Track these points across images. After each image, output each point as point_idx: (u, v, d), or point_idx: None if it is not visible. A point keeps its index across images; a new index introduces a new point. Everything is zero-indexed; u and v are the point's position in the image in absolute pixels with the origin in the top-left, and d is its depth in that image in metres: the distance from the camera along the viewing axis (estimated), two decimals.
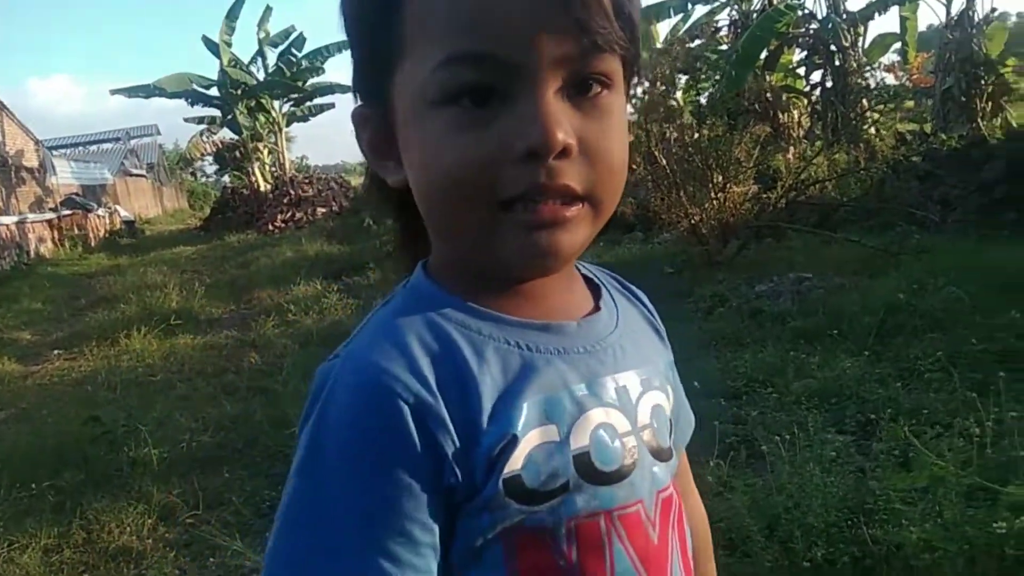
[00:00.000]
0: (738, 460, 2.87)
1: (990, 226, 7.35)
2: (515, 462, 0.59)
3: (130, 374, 6.29)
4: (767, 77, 12.09)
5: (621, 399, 0.66)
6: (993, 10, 12.85)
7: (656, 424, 0.69)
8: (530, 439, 0.60)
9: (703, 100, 10.82)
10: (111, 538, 3.43)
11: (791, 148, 10.91)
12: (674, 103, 10.04)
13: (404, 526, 0.56)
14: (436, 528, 0.58)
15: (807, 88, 12.79)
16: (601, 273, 0.79)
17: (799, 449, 2.39)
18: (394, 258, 0.77)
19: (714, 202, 7.20)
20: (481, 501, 0.59)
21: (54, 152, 22.23)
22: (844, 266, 6.35)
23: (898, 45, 13.23)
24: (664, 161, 7.58)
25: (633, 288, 0.83)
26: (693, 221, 7.32)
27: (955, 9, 11.93)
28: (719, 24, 13.59)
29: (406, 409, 0.57)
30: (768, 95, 11.57)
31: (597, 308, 0.72)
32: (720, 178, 7.21)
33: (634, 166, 8.40)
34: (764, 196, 7.44)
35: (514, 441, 0.59)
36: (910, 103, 15.28)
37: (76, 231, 18.97)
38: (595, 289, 0.75)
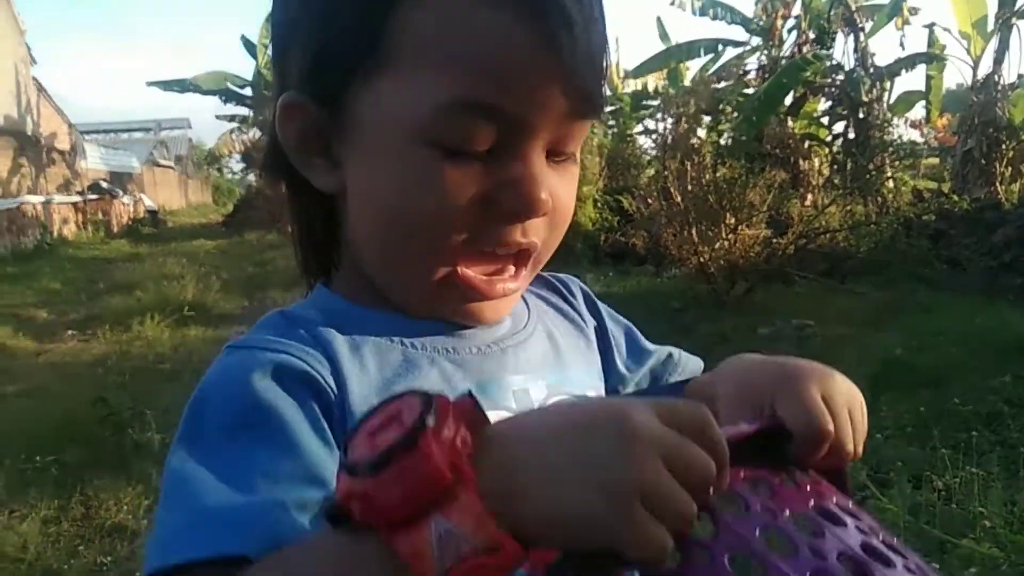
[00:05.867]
0: None
1: (997, 289, 7.42)
2: None
3: (140, 360, 6.44)
4: (790, 123, 12.22)
5: (520, 402, 0.62)
6: (1021, 75, 12.98)
7: None
8: None
9: (724, 141, 10.97)
10: (108, 515, 3.54)
11: (809, 195, 11.03)
12: (696, 141, 10.23)
13: (302, 473, 0.50)
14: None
15: (829, 138, 12.90)
16: None
17: None
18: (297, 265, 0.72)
19: (724, 243, 7.31)
20: None
21: (86, 137, 22.65)
22: (847, 317, 6.43)
23: (923, 103, 13.32)
24: (679, 198, 7.70)
25: (556, 280, 0.78)
26: (702, 260, 7.43)
27: (981, 72, 12.05)
28: (747, 67, 13.76)
29: (293, 362, 0.54)
30: (790, 141, 11.70)
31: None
32: (732, 220, 7.33)
33: (650, 200, 8.55)
34: (775, 241, 7.54)
35: None
36: (934, 160, 15.37)
37: (100, 216, 19.29)
38: None
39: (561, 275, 0.79)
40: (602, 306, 0.80)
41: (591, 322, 0.77)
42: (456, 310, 0.61)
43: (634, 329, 0.81)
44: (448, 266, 0.58)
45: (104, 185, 20.37)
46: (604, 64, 0.58)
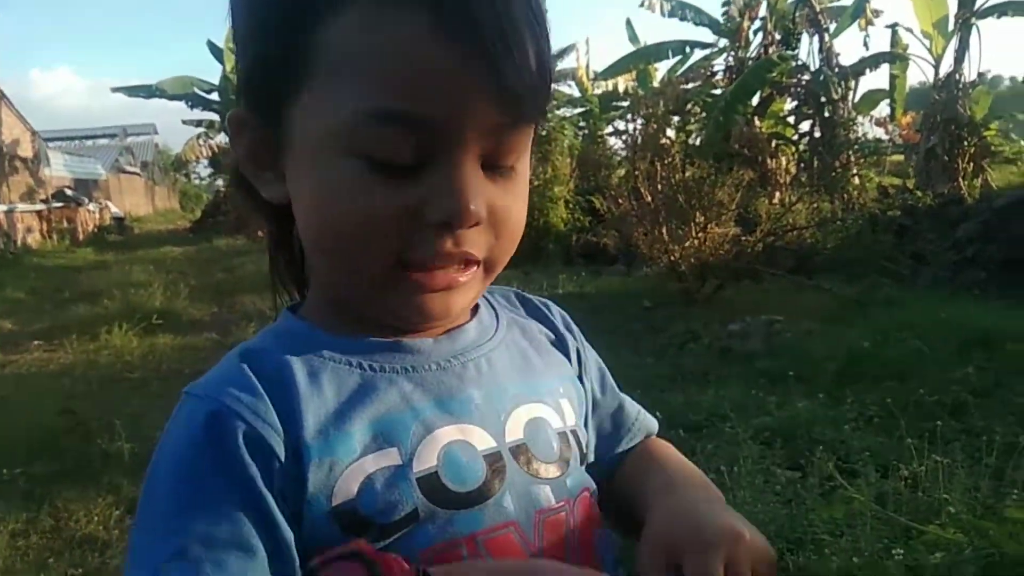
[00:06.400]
0: None
1: (960, 283, 7.57)
2: (346, 491, 0.56)
3: (108, 369, 6.35)
4: (757, 123, 12.37)
5: (483, 414, 0.62)
6: (981, 74, 13.25)
7: (533, 440, 0.63)
8: (364, 465, 0.56)
9: (693, 140, 11.08)
10: (78, 526, 3.49)
11: (776, 193, 11.17)
12: (665, 141, 10.31)
13: (215, 531, 0.53)
14: (259, 537, 0.53)
15: (796, 137, 13.08)
16: (490, 290, 0.74)
17: (740, 480, 2.53)
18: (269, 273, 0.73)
19: (694, 241, 7.38)
20: (319, 538, 0.55)
21: (49, 144, 22.26)
22: (815, 312, 6.52)
23: (887, 101, 13.55)
24: (649, 198, 7.77)
25: (537, 301, 0.78)
26: (673, 258, 7.49)
27: (943, 71, 12.30)
28: (715, 69, 13.91)
29: (237, 424, 0.55)
30: (757, 141, 11.84)
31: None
32: (702, 218, 7.40)
33: (620, 200, 8.60)
34: (744, 239, 7.63)
35: (334, 467, 0.56)
36: (898, 157, 15.64)
37: (65, 224, 18.97)
38: (476, 305, 0.71)
39: (538, 297, 0.78)
40: (578, 332, 0.79)
41: (569, 340, 0.76)
42: (405, 306, 0.60)
43: (604, 368, 0.80)
44: (388, 272, 0.58)
45: (69, 193, 20.04)
46: (540, 62, 0.55)
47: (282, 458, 0.55)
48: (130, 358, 6.70)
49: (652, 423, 0.80)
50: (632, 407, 0.79)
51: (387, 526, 0.55)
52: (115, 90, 19.53)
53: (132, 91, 19.35)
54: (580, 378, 0.75)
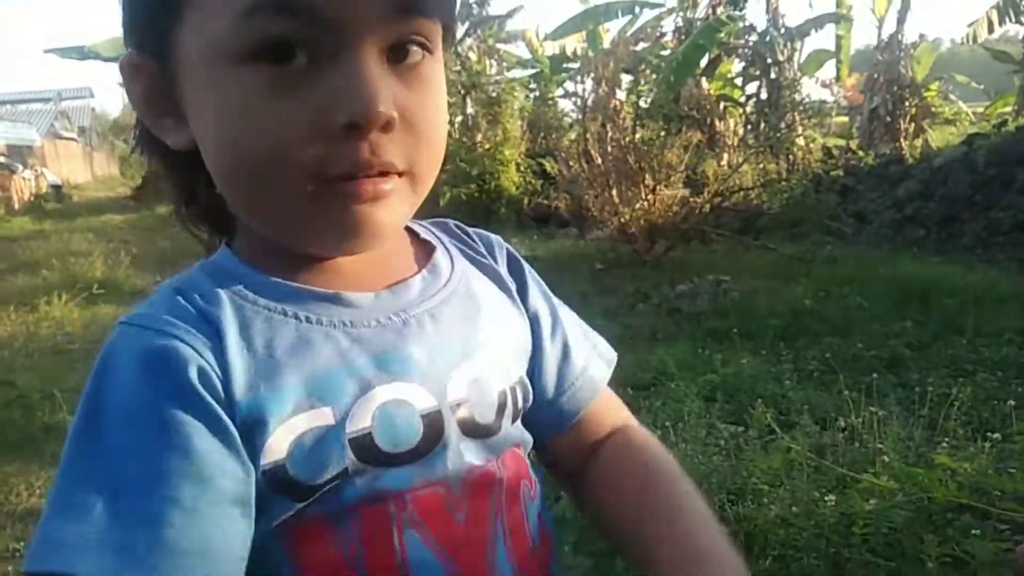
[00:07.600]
0: None
1: (901, 241, 7.79)
2: (276, 451, 0.53)
3: (48, 341, 6.19)
4: (705, 85, 12.42)
5: (424, 372, 0.59)
6: (922, 35, 13.49)
7: (475, 399, 0.62)
8: (294, 425, 0.54)
9: (643, 103, 11.08)
10: (20, 500, 3.43)
11: (724, 155, 11.28)
12: (616, 103, 10.30)
13: (193, 473, 0.50)
14: (236, 473, 0.52)
15: (743, 98, 13.18)
16: (443, 230, 0.72)
17: (685, 434, 2.60)
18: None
19: (644, 203, 7.43)
20: None
21: None
22: (760, 271, 6.65)
23: (832, 62, 13.71)
24: (600, 160, 7.77)
25: (481, 237, 0.75)
26: (623, 220, 7.53)
27: (886, 32, 12.48)
28: (664, 29, 13.88)
29: (189, 356, 0.52)
30: (705, 103, 11.90)
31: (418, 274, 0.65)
32: (651, 180, 7.44)
33: (571, 163, 8.60)
34: (692, 200, 7.70)
35: (263, 426, 0.53)
36: (843, 119, 15.89)
37: None
38: (430, 252, 0.68)
39: (486, 232, 0.75)
40: (528, 271, 0.75)
41: (513, 284, 0.72)
42: (332, 224, 0.55)
43: (556, 307, 0.75)
44: (309, 190, 0.53)
45: (2, 160, 19.29)
46: None
47: (222, 402, 0.52)
48: (71, 329, 6.53)
49: (598, 376, 0.75)
50: (579, 357, 0.73)
51: (316, 487, 0.54)
52: (48, 51, 18.74)
53: (65, 52, 18.58)
54: (531, 324, 0.71)
